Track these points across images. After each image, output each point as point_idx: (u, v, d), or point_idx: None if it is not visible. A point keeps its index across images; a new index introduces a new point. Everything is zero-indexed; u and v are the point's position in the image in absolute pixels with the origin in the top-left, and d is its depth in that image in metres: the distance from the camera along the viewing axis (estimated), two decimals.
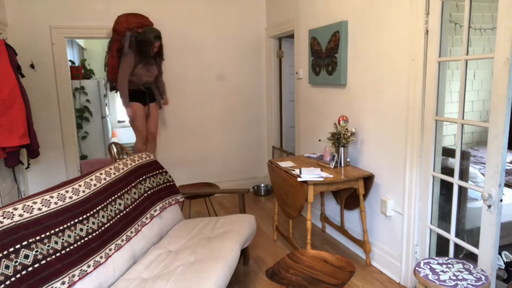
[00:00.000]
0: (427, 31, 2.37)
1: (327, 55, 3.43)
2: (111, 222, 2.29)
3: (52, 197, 2.04)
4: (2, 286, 1.57)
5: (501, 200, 1.97)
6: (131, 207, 2.51)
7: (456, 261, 1.97)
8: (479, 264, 2.11)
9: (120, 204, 2.43)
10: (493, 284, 2.08)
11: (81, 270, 1.91)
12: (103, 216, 2.25)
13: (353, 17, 3.11)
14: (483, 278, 1.81)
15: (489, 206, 2.00)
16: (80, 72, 6.12)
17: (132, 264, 2.32)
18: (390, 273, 2.88)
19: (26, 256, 1.72)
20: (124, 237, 2.31)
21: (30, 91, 4.01)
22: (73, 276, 1.86)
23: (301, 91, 4.08)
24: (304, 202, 2.80)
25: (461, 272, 1.86)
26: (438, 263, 1.95)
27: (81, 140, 6.02)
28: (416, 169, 2.57)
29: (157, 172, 2.95)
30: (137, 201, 2.59)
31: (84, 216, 2.13)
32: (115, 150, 4.09)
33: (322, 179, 2.76)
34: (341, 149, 3.07)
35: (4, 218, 1.76)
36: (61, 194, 2.10)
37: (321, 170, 2.96)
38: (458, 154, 2.25)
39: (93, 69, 6.92)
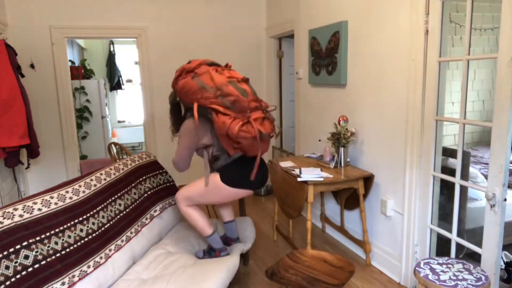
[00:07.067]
0: (427, 31, 2.37)
1: (327, 55, 3.43)
2: (111, 222, 2.29)
3: (52, 197, 2.04)
4: (2, 286, 1.56)
5: (505, 200, 1.97)
6: (131, 207, 2.51)
7: (456, 261, 1.97)
8: (482, 264, 2.10)
9: (120, 205, 2.43)
10: (497, 284, 2.08)
11: (81, 270, 1.91)
12: (103, 217, 2.25)
13: (353, 17, 3.11)
14: (483, 278, 1.81)
15: (493, 206, 2.00)
16: (80, 72, 6.12)
17: (131, 265, 2.32)
18: (390, 273, 2.88)
19: (26, 257, 1.72)
20: (124, 238, 2.31)
21: (30, 91, 4.00)
22: (73, 276, 1.86)
23: (301, 91, 4.08)
24: (304, 202, 2.80)
25: (461, 272, 1.86)
26: (438, 263, 1.95)
27: (81, 140, 6.02)
28: (416, 169, 2.56)
29: (157, 172, 2.95)
30: (137, 202, 2.59)
31: (84, 217, 2.13)
32: (115, 150, 4.09)
33: (322, 179, 2.76)
34: (341, 149, 3.06)
35: (4, 218, 1.75)
36: (61, 194, 2.10)
37: (321, 170, 2.96)
38: (460, 154, 2.25)
39: (93, 69, 6.92)
